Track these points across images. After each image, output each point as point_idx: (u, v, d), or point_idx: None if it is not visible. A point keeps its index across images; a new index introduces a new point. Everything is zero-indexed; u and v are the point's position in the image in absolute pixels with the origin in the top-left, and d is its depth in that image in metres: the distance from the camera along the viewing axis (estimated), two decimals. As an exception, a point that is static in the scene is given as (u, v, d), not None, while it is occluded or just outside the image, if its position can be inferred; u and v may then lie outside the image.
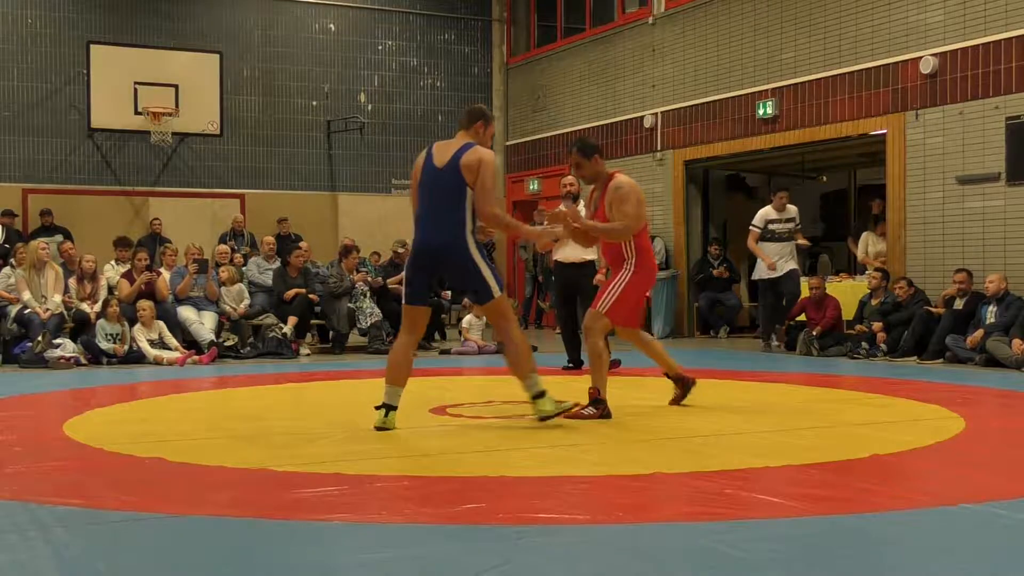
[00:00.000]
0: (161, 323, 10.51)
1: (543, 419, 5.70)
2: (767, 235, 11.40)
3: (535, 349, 8.65)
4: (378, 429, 5.50)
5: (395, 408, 5.58)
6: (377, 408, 5.58)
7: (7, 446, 5.19)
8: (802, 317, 11.36)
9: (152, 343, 10.36)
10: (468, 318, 11.77)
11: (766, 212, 11.50)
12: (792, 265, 11.42)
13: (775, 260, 11.29)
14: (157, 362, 10.11)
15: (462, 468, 4.48)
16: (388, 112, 16.86)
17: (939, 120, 10.74)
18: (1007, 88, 10.11)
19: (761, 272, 11.45)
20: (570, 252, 8.95)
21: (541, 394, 5.72)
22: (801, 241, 11.66)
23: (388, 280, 12.18)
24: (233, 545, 3.33)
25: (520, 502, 3.85)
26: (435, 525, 3.49)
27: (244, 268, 12.37)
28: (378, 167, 16.80)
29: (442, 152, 5.69)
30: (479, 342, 11.46)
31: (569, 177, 9.26)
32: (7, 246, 12.57)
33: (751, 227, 11.53)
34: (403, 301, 5.84)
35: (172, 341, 10.47)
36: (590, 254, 8.89)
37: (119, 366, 9.92)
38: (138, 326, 10.37)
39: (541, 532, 3.40)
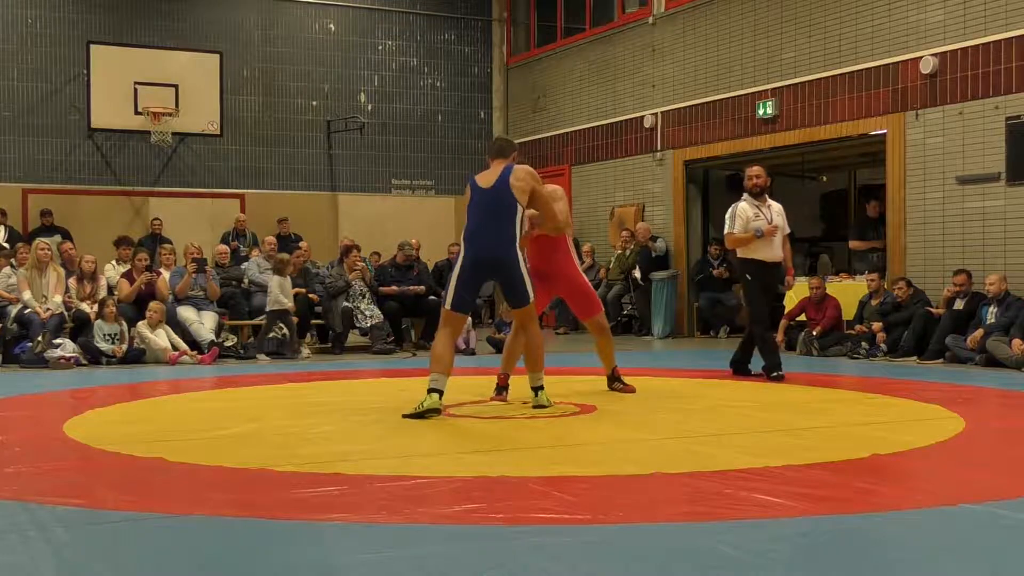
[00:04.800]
0: (167, 327, 10.49)
1: (536, 407, 6.40)
2: None
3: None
4: (425, 413, 6.01)
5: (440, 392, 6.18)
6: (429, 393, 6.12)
7: (7, 446, 5.19)
8: (802, 317, 11.35)
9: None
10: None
11: None
12: None
13: None
14: (161, 357, 10.13)
15: (462, 468, 4.48)
16: (388, 112, 16.85)
17: (939, 120, 10.74)
18: (1007, 88, 10.11)
19: None
20: (778, 252, 8.32)
21: (541, 387, 6.49)
22: None
23: (382, 288, 12.04)
24: (233, 545, 3.33)
25: (520, 502, 3.84)
26: (435, 525, 3.49)
27: (244, 267, 12.38)
28: (378, 167, 16.80)
29: (486, 177, 6.45)
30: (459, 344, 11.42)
31: (756, 168, 8.63)
32: (7, 246, 12.57)
33: None
34: (450, 307, 6.41)
35: (181, 344, 10.46)
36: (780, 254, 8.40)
37: (119, 366, 9.92)
38: (143, 323, 10.37)
39: (541, 532, 3.40)
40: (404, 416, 6.01)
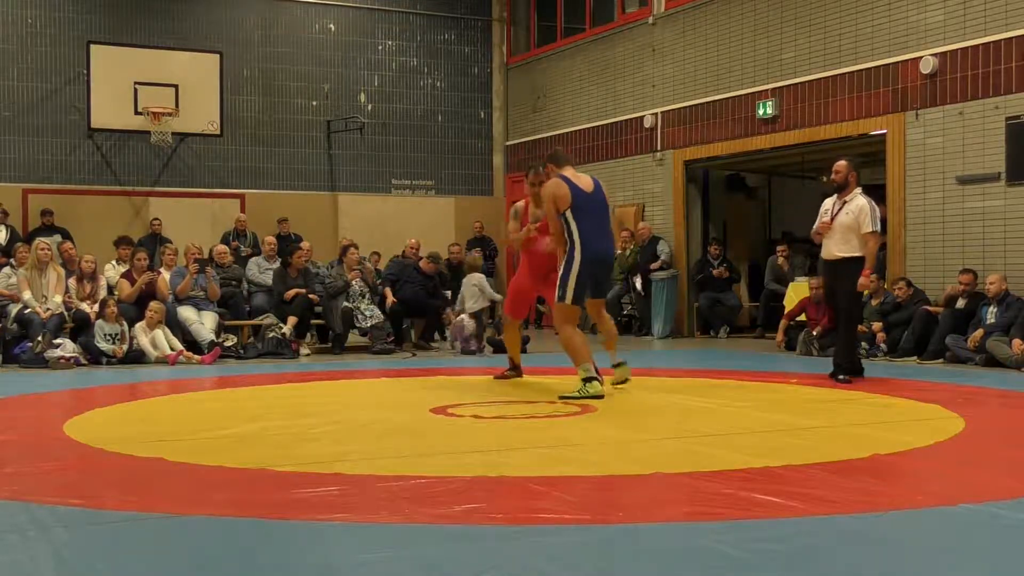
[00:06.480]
0: (165, 328, 10.48)
1: (562, 398, 6.79)
2: None
3: (527, 341, 9.14)
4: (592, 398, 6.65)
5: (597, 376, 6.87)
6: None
7: (7, 446, 5.20)
8: (802, 317, 11.36)
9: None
10: (461, 317, 11.70)
11: None
12: None
13: None
14: (158, 359, 10.14)
15: (462, 468, 4.48)
16: (388, 112, 16.85)
17: (939, 120, 10.74)
18: (1007, 88, 10.11)
19: None
20: (832, 247, 7.94)
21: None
22: None
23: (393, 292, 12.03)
24: (233, 545, 3.33)
25: (520, 502, 3.85)
26: (435, 525, 3.49)
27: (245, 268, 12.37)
28: (378, 167, 16.80)
29: (581, 180, 7.00)
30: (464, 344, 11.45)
31: (838, 163, 8.07)
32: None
33: None
34: (572, 302, 6.97)
35: (177, 345, 10.45)
36: (852, 250, 7.86)
37: (119, 366, 9.92)
38: (141, 324, 10.37)
39: (541, 532, 3.40)
40: (560, 398, 6.76)
